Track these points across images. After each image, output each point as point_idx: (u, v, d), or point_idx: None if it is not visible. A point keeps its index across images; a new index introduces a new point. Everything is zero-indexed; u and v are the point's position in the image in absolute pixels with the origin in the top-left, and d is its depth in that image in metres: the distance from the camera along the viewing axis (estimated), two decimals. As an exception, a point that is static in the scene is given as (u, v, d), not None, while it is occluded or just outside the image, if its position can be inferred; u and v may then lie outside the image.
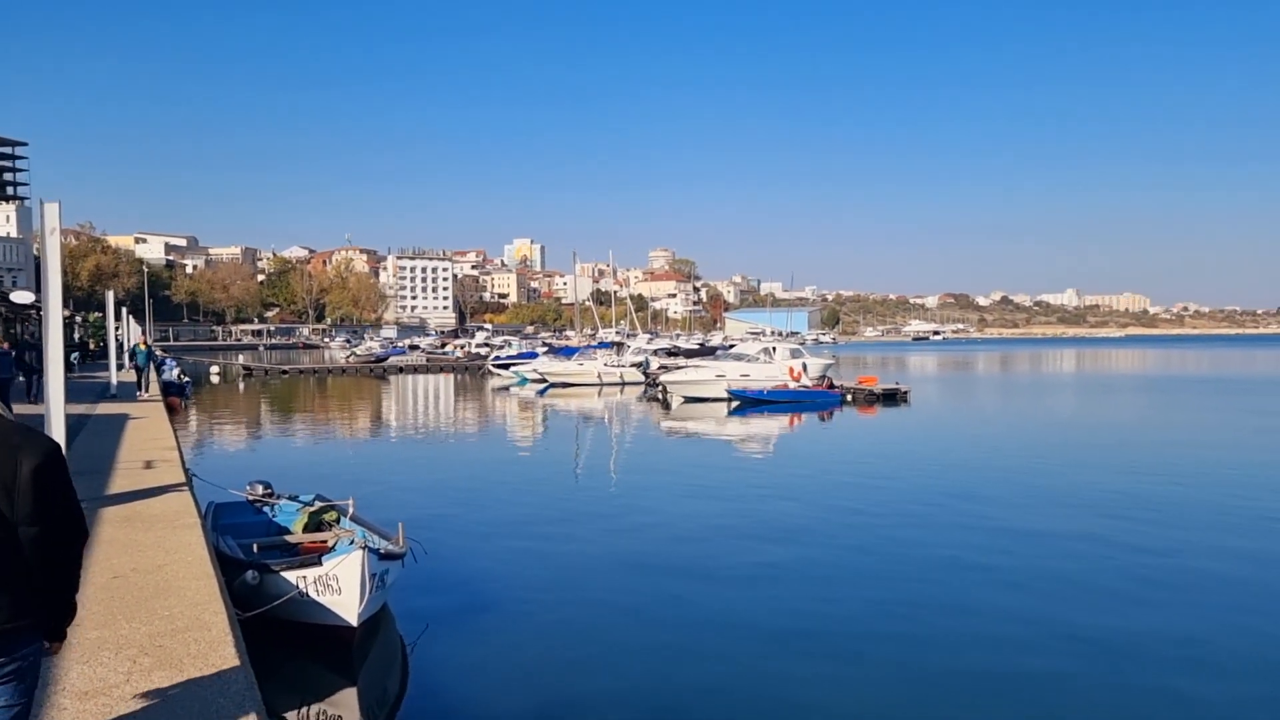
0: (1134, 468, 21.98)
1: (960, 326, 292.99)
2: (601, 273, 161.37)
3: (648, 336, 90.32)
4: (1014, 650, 9.35)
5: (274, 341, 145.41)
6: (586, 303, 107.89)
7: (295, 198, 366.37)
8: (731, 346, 58.46)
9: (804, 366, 44.12)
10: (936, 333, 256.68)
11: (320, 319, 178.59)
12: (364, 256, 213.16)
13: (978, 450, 25.91)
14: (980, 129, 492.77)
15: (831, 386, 42.71)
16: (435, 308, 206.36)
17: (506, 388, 54.42)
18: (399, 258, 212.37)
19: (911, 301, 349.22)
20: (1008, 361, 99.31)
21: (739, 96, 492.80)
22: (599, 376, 53.72)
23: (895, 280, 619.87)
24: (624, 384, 53.21)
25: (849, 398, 41.36)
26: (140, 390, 27.99)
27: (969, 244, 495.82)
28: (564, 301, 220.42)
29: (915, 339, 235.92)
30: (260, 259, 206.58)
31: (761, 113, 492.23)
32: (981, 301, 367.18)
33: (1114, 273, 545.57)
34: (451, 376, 68.64)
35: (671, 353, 71.31)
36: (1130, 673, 8.76)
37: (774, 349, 46.93)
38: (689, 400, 41.53)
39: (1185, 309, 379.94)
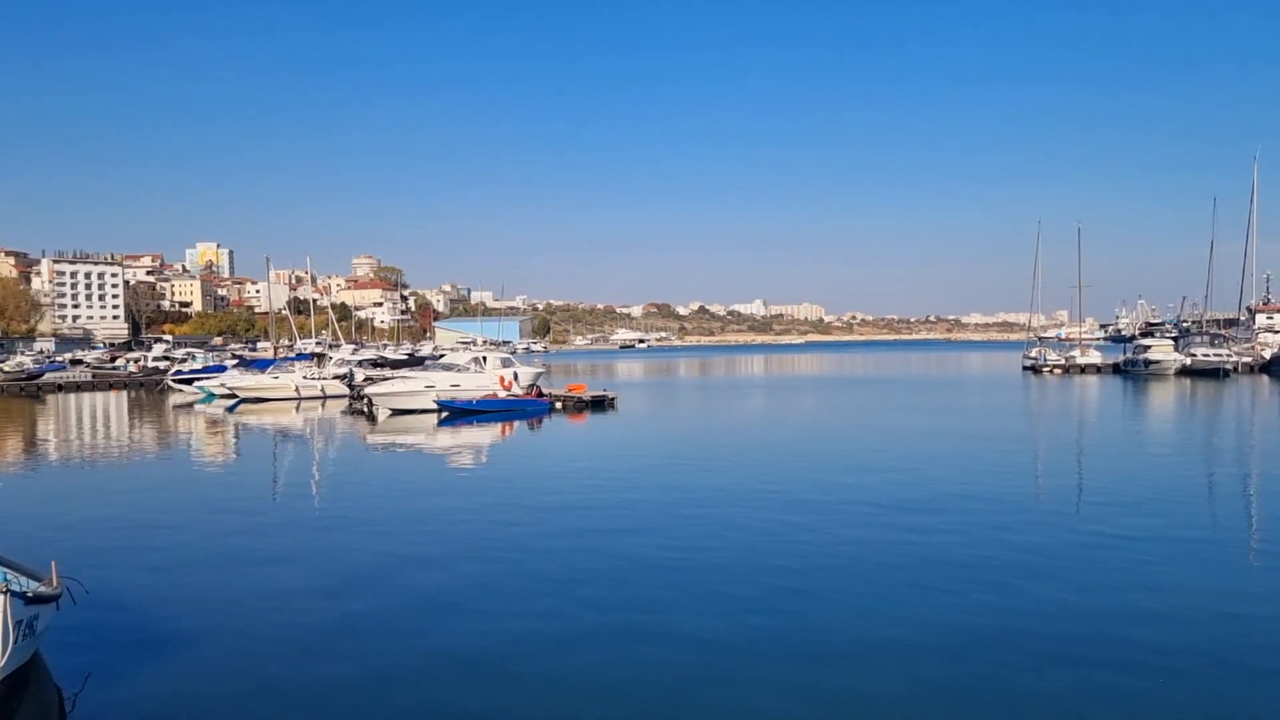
0: (803, 457, 24.33)
1: (664, 335, 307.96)
2: (300, 280, 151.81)
3: (352, 347, 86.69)
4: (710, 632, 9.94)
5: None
6: (283, 311, 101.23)
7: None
8: (441, 356, 57.52)
9: (515, 375, 44.37)
10: (642, 341, 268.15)
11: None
12: (12, 260, 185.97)
13: (678, 451, 27.40)
14: (673, 150, 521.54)
15: (541, 395, 43.34)
16: (103, 318, 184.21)
17: (190, 405, 49.80)
18: (56, 261, 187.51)
19: (618, 311, 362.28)
20: (706, 367, 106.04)
21: (442, 101, 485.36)
22: (297, 390, 50.65)
23: (603, 290, 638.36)
24: (325, 397, 50.58)
25: (559, 405, 42.13)
26: None
27: (670, 256, 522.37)
28: (257, 310, 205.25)
29: (623, 347, 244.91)
30: None
31: (467, 120, 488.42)
32: (682, 311, 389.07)
33: (795, 284, 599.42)
34: (124, 394, 62.14)
35: (378, 363, 69.06)
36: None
37: (485, 358, 46.72)
38: (397, 413, 40.25)
39: (854, 318, 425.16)
